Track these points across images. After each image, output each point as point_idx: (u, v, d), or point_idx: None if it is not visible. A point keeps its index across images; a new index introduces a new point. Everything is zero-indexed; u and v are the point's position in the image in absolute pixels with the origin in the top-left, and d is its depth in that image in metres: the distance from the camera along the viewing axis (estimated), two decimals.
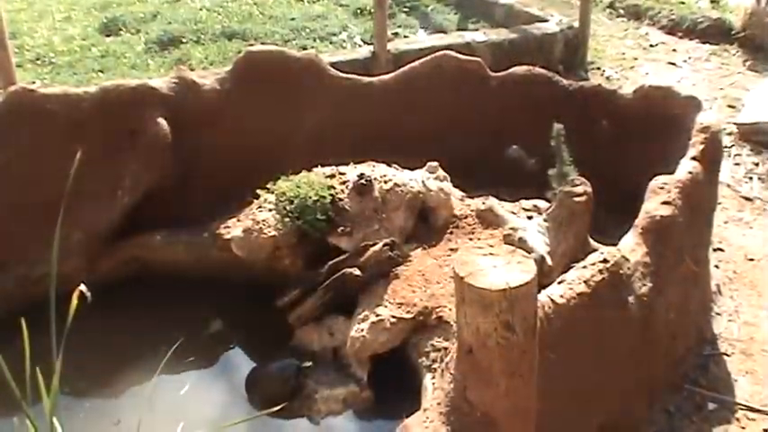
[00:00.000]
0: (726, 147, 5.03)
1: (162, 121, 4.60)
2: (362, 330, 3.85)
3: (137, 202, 4.62)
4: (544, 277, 3.49)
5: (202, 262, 4.63)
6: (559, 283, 3.23)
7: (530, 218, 4.28)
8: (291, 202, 4.26)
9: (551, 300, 3.12)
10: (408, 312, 3.88)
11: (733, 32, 6.86)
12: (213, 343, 4.38)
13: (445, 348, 3.66)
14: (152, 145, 4.59)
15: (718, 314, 3.93)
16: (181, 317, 4.40)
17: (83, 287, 2.33)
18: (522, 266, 2.71)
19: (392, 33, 6.42)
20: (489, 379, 2.83)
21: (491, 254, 2.78)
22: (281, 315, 4.18)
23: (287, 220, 4.23)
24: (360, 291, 4.08)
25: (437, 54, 4.97)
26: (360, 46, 6.39)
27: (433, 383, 3.46)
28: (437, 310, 3.86)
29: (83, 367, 3.95)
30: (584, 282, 3.18)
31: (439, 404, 3.15)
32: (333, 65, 5.06)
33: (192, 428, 3.45)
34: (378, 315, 3.89)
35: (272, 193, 4.40)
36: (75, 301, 2.29)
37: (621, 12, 7.88)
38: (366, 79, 4.98)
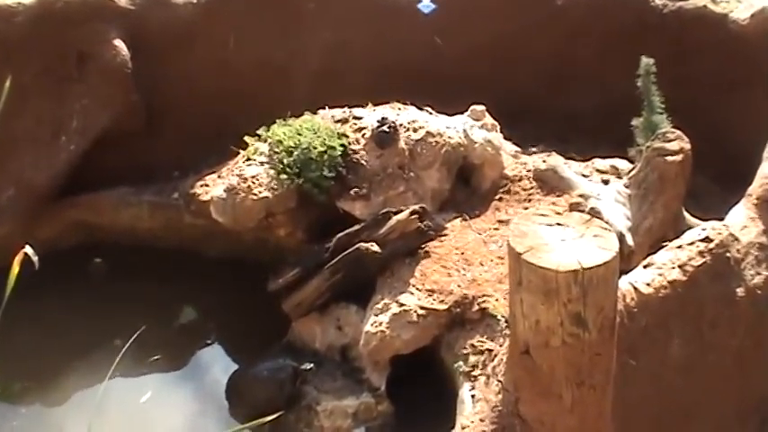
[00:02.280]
0: None
1: (120, 43, 4.57)
2: (381, 324, 3.85)
3: (86, 151, 4.63)
4: (623, 261, 3.45)
5: (172, 230, 4.65)
6: (645, 267, 3.20)
7: (606, 182, 4.26)
8: (290, 154, 4.24)
9: (635, 288, 3.09)
10: (442, 302, 3.87)
11: None
12: (185, 337, 4.41)
13: (490, 350, 3.65)
14: (106, 75, 4.57)
15: None
16: (143, 301, 4.42)
17: (28, 249, 2.24)
18: (601, 241, 2.66)
19: None
20: (550, 389, 2.83)
21: (558, 223, 2.74)
22: (275, 302, 4.15)
23: (284, 177, 4.22)
24: (378, 272, 4.07)
25: None
26: None
27: (474, 395, 3.48)
28: (480, 299, 3.84)
29: (17, 364, 4.07)
30: (679, 266, 3.16)
31: (482, 421, 3.15)
32: None
33: None
34: (402, 305, 3.87)
35: (265, 141, 4.39)
36: (15, 269, 2.20)
37: None
38: None
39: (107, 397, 3.59)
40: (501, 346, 3.50)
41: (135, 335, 2.91)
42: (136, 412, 4.00)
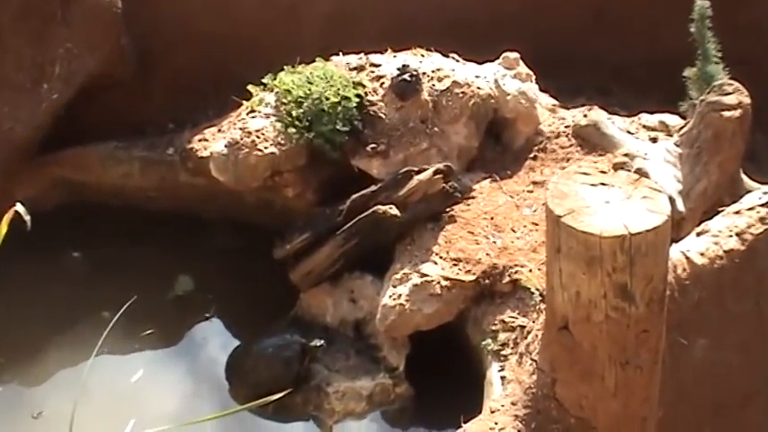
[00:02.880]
0: None
1: None
2: (400, 296, 3.85)
3: (71, 100, 4.64)
4: (674, 228, 3.41)
5: (166, 190, 4.68)
6: (699, 235, 3.20)
7: (654, 140, 4.25)
8: (299, 106, 4.25)
9: (687, 258, 3.08)
10: (469, 273, 3.88)
11: None
12: (180, 309, 4.43)
13: (522, 327, 3.66)
14: (93, 16, 4.57)
15: None
16: (134, 269, 4.45)
17: (20, 207, 2.22)
18: (651, 203, 2.65)
19: None
20: (591, 370, 2.82)
21: (603, 183, 2.73)
22: (281, 271, 4.16)
23: (292, 131, 4.23)
24: (397, 239, 4.08)
25: None
26: None
27: (504, 377, 3.49)
28: (511, 270, 3.84)
29: None
30: (737, 234, 3.14)
31: (513, 405, 3.17)
32: None
33: (147, 427, 3.51)
34: (423, 275, 3.88)
35: (271, 91, 4.40)
36: (3, 228, 2.16)
37: None
38: None
39: (93, 375, 3.62)
40: (535, 321, 3.51)
41: (125, 306, 2.93)
42: (125, 392, 4.02)
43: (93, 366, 2.86)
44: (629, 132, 4.31)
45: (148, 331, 4.24)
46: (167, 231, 4.61)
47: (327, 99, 4.20)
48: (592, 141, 4.28)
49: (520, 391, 3.18)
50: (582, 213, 2.64)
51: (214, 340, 4.32)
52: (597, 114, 4.35)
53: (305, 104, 4.23)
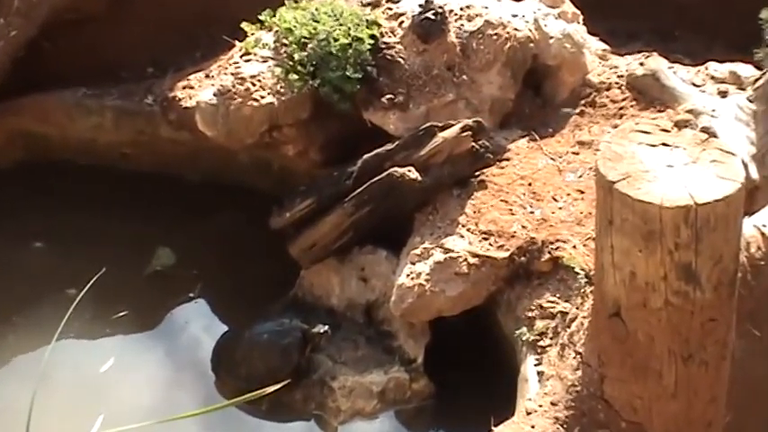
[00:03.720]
0: None
1: None
2: (419, 276, 3.85)
3: (32, 39, 4.65)
4: (746, 198, 3.41)
5: (144, 146, 4.71)
6: None
7: (723, 94, 4.23)
8: (303, 48, 4.25)
9: (762, 234, 3.07)
10: (501, 248, 3.87)
11: None
12: (159, 287, 4.45)
13: (564, 313, 3.65)
14: None
15: None
16: (105, 239, 4.47)
17: None
18: (722, 169, 2.63)
19: None
20: (647, 365, 2.82)
21: (665, 143, 2.72)
22: (279, 243, 4.18)
23: (294, 78, 4.23)
24: (417, 207, 4.09)
25: None
26: None
27: (542, 372, 3.50)
28: (552, 245, 3.85)
29: None
30: None
31: (553, 405, 3.18)
32: None
33: (119, 425, 3.52)
34: (448, 251, 3.87)
35: (270, 30, 4.40)
36: None
37: None
38: None
39: (56, 363, 3.63)
40: (580, 307, 3.51)
41: (91, 281, 2.91)
42: (93, 383, 4.04)
43: (55, 352, 2.86)
44: (693, 85, 4.30)
45: (121, 313, 4.26)
46: (145, 196, 4.63)
47: (336, 40, 4.19)
48: (650, 95, 4.29)
49: (561, 389, 3.19)
50: (639, 179, 2.63)
51: (198, 324, 4.34)
52: (656, 62, 4.33)
53: (309, 47, 4.22)
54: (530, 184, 4.07)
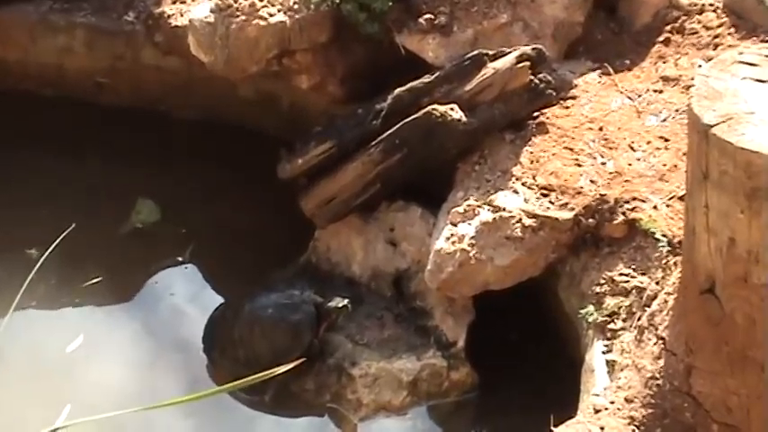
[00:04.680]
0: None
1: None
2: (462, 239, 3.82)
3: None
4: None
5: (123, 74, 4.73)
6: None
7: None
8: None
9: None
10: (565, 207, 3.85)
11: None
12: (140, 248, 4.48)
13: (642, 289, 3.62)
14: None
15: None
16: (75, 190, 4.49)
17: None
18: None
19: None
20: (746, 354, 2.80)
21: None
22: (289, 197, 4.19)
23: None
24: (461, 155, 4.08)
25: None
26: None
27: (613, 361, 3.47)
28: (627, 205, 3.82)
29: None
30: None
31: (628, 402, 3.15)
32: None
33: (89, 415, 3.52)
34: (498, 209, 3.84)
35: None
36: None
37: None
38: None
39: (13, 340, 3.66)
40: (662, 282, 3.48)
41: (58, 240, 2.91)
42: (58, 365, 4.05)
43: (11, 327, 2.86)
44: None
45: (94, 279, 4.26)
46: (124, 136, 4.63)
47: None
48: (752, 20, 4.24)
49: (638, 382, 3.16)
50: (742, 123, 2.61)
51: (187, 294, 4.37)
52: None
53: None
54: (601, 129, 4.06)
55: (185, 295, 4.36)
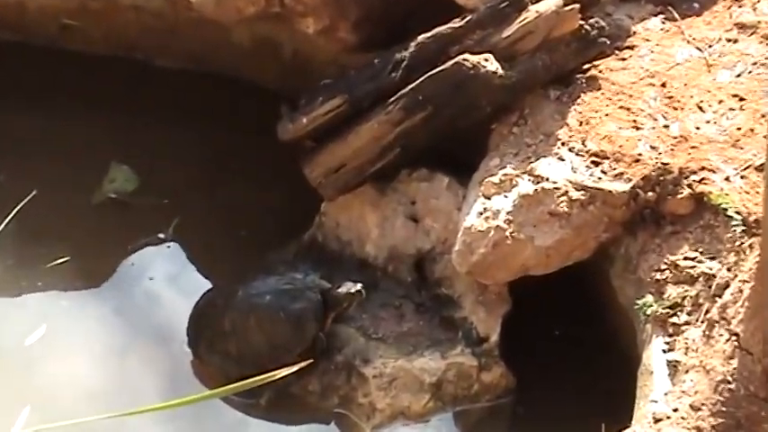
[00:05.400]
0: None
1: None
2: (497, 215, 3.80)
3: None
4: None
5: (94, 15, 4.72)
6: None
7: None
8: None
9: None
10: (619, 178, 3.83)
11: None
12: (113, 222, 4.47)
13: (712, 275, 3.59)
14: None
15: None
16: (38, 152, 4.49)
17: None
18: None
19: None
20: None
21: None
22: (291, 163, 4.16)
23: None
24: (497, 114, 4.06)
25: None
26: None
27: (677, 361, 3.45)
28: (695, 176, 3.79)
29: None
30: None
31: (695, 410, 3.15)
32: None
33: (51, 419, 3.32)
34: (539, 179, 3.82)
35: None
36: None
37: None
38: None
39: None
40: (735, 268, 3.46)
41: (14, 211, 2.92)
42: (16, 361, 4.05)
43: None
44: None
45: (60, 260, 4.20)
46: (95, 89, 4.63)
47: None
48: None
49: (706, 386, 3.15)
50: None
51: (169, 278, 4.37)
52: None
53: None
54: (663, 85, 4.05)
55: (167, 279, 4.37)
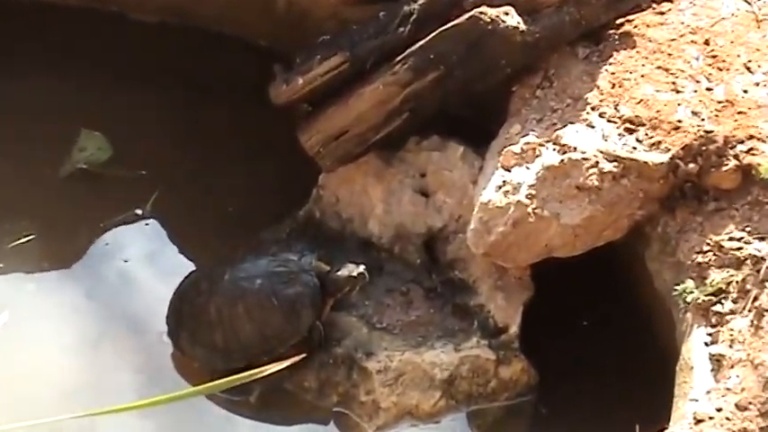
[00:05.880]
0: None
1: None
2: (518, 189, 3.78)
3: None
4: None
5: None
6: None
7: None
8: None
9: None
10: (656, 147, 3.81)
11: None
12: (84, 195, 4.47)
13: (759, 258, 3.57)
14: None
15: None
16: (1, 112, 4.46)
17: None
18: None
19: None
20: None
21: None
22: (285, 129, 4.15)
23: None
24: (517, 75, 4.04)
25: None
26: None
27: (720, 354, 3.42)
28: (742, 146, 3.77)
29: None
30: None
31: (741, 410, 3.16)
32: None
33: (12, 418, 3.31)
34: (566, 148, 3.79)
35: None
36: None
37: None
38: None
39: None
40: None
41: None
42: None
43: None
44: None
45: (25, 238, 4.25)
46: (63, 44, 4.63)
47: None
48: None
49: (754, 383, 3.17)
50: None
51: (147, 259, 4.37)
52: None
53: None
54: (707, 43, 4.04)
55: (145, 260, 4.37)
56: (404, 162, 4.13)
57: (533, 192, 3.77)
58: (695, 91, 3.91)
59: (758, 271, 3.56)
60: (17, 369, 4.03)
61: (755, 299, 3.46)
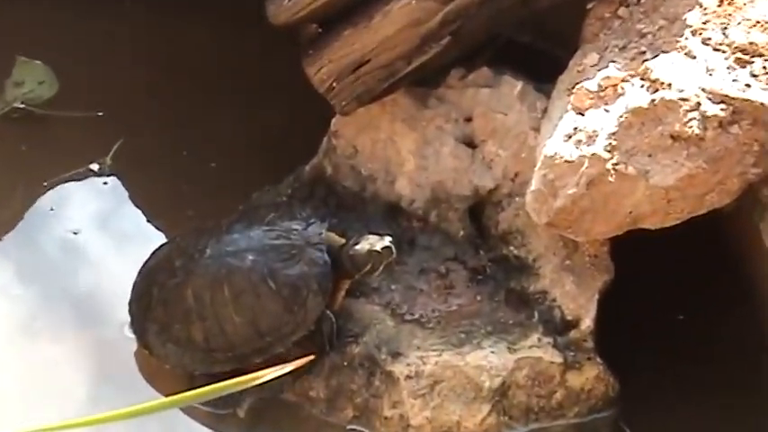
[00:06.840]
0: None
1: None
2: (593, 139, 3.67)
3: None
4: None
5: None
6: None
7: None
8: None
9: None
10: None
11: None
12: (20, 141, 4.45)
13: None
14: None
15: None
16: None
17: None
18: None
19: None
20: None
21: None
22: (288, 57, 4.06)
23: None
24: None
25: None
26: None
27: None
28: None
29: None
30: None
31: None
32: None
33: None
34: (657, 85, 3.68)
35: None
36: None
37: None
38: None
39: None
40: None
41: None
42: None
43: None
44: None
45: None
46: None
47: None
48: None
49: None
50: None
51: (102, 228, 4.33)
52: None
53: None
54: None
55: (100, 230, 4.33)
56: (443, 102, 4.04)
57: (614, 142, 3.64)
58: None
59: None
60: None
61: None
